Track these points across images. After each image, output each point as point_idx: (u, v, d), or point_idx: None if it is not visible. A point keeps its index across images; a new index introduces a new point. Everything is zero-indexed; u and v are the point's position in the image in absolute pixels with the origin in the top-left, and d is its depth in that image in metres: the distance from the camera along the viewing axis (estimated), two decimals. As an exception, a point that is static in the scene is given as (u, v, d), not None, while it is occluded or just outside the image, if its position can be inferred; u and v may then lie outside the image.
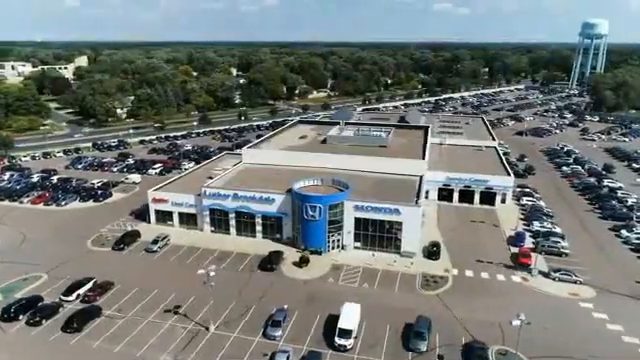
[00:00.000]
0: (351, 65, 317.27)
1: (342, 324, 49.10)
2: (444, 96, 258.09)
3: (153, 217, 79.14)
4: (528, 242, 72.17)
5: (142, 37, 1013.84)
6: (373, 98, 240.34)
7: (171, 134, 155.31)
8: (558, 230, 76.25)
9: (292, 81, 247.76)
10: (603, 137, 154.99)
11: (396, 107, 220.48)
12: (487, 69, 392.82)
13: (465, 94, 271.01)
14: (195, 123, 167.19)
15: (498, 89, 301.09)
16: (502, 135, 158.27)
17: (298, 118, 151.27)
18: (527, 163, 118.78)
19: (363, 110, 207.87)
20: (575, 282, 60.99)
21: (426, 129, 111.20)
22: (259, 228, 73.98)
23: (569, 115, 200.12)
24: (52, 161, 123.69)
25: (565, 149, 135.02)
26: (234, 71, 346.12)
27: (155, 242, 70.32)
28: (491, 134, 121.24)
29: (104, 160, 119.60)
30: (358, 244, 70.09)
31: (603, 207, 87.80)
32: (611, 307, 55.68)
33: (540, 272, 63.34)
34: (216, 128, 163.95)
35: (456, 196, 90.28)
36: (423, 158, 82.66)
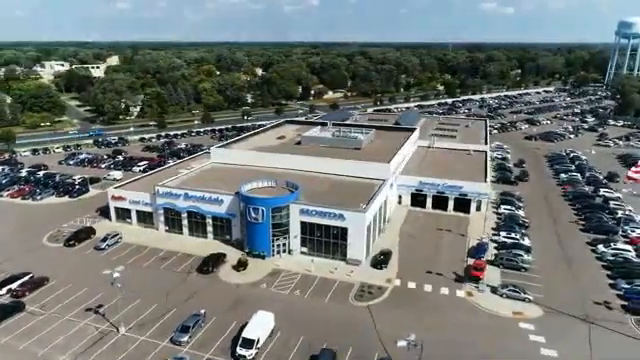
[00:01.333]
0: (373, 66, 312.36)
1: (246, 333, 47.11)
2: (463, 98, 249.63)
3: (113, 215, 79.65)
4: (489, 254, 67.57)
5: (187, 38, 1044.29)
6: (387, 99, 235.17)
7: (172, 132, 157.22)
8: (526, 242, 70.98)
9: (306, 81, 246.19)
10: (620, 143, 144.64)
11: (409, 108, 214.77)
12: (520, 70, 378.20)
13: (487, 96, 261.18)
14: (196, 122, 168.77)
15: (524, 91, 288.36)
16: (511, 139, 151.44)
17: (298, 118, 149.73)
18: (523, 169, 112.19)
19: (374, 111, 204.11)
20: (524, 300, 56.27)
21: (412, 131, 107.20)
22: (210, 229, 72.92)
23: (591, 119, 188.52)
24: (50, 156, 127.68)
25: (571, 155, 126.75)
26: (259, 71, 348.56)
27: (104, 240, 70.55)
28: (486, 138, 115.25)
29: (95, 157, 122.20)
30: (305, 249, 67.71)
31: (588, 218, 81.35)
32: (553, 330, 50.93)
33: (491, 287, 59.01)
34: (217, 127, 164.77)
35: (429, 202, 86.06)
36: (388, 162, 79.00)
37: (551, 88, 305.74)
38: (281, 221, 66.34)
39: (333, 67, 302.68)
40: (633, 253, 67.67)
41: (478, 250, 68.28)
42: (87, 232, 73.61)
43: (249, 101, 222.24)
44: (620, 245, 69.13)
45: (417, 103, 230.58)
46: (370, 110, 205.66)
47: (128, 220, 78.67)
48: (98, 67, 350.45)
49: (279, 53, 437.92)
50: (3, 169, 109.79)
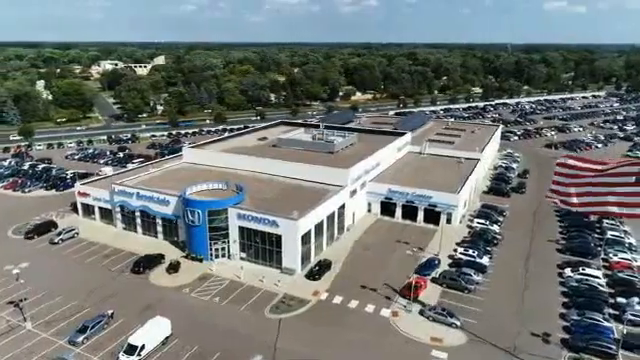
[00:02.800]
0: (411, 67, 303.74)
1: (132, 339, 46.16)
2: (497, 101, 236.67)
3: (80, 210, 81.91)
4: (437, 272, 62.61)
5: (247, 38, 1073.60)
6: (412, 102, 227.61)
7: (183, 131, 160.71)
8: (483, 260, 65.15)
9: (333, 82, 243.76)
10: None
11: (434, 112, 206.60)
12: (573, 73, 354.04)
13: (524, 100, 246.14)
14: (208, 121, 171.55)
15: (569, 95, 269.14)
16: (529, 147, 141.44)
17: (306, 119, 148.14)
18: (521, 180, 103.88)
19: (395, 114, 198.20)
20: (450, 325, 51.38)
21: (401, 136, 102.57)
22: (159, 229, 73.01)
23: (631, 127, 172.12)
24: (61, 151, 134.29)
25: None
26: (296, 71, 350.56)
27: (59, 234, 72.59)
28: (485, 146, 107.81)
29: (98, 152, 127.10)
30: (244, 255, 66.06)
31: (570, 238, 73.60)
32: (467, 361, 45.99)
33: (421, 308, 54.55)
34: (229, 127, 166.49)
35: (399, 211, 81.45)
36: (348, 168, 75.48)
37: (602, 93, 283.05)
38: (219, 225, 65.08)
39: (367, 68, 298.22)
40: (602, 280, 60.18)
41: (426, 266, 63.56)
42: (48, 226, 76.09)
43: (273, 101, 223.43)
44: (589, 270, 61.65)
45: (445, 106, 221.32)
46: (392, 113, 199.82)
47: (92, 216, 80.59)
48: (145, 66, 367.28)
49: (323, 53, 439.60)
50: (10, 162, 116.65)
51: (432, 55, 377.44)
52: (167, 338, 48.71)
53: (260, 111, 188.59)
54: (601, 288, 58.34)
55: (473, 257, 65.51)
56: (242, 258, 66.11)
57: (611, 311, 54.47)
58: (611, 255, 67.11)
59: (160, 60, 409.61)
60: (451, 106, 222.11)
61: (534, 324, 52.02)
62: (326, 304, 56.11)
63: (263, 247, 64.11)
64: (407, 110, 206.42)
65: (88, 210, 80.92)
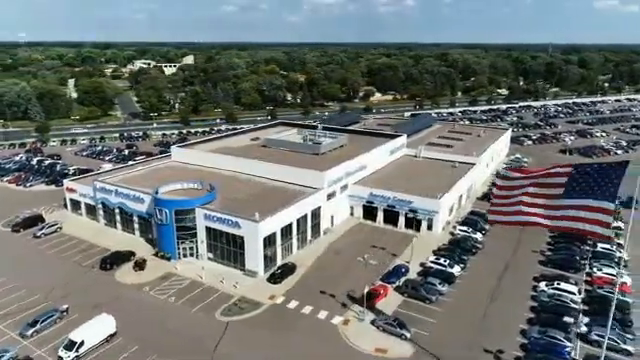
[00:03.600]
0: (440, 67, 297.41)
1: (72, 335, 46.84)
2: (521, 103, 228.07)
3: (69, 206, 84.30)
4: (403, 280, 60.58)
5: (283, 38, 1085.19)
6: (429, 103, 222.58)
7: (193, 130, 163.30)
8: (454, 270, 62.53)
9: (351, 82, 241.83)
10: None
11: (451, 114, 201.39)
12: (611, 75, 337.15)
13: (550, 102, 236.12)
14: (218, 120, 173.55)
15: (600, 98, 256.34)
16: (542, 152, 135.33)
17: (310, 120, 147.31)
18: None
19: (411, 115, 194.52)
20: (400, 336, 49.47)
21: (394, 138, 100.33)
22: (136, 226, 74.10)
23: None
24: (74, 147, 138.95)
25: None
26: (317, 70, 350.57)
27: (42, 228, 74.94)
28: (484, 150, 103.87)
29: (105, 149, 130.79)
30: (211, 255, 66.08)
31: (557, 250, 69.68)
32: (405, 375, 44.10)
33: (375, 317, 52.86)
34: (239, 126, 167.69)
35: (380, 216, 79.50)
36: (323, 170, 74.23)
37: (638, 96, 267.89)
38: (187, 224, 65.38)
39: (391, 69, 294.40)
40: (577, 297, 56.49)
41: (392, 274, 61.61)
42: (34, 220, 78.66)
43: (289, 101, 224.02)
44: (564, 285, 57.99)
45: (464, 108, 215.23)
46: (407, 114, 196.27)
47: (79, 212, 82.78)
48: (173, 66, 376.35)
49: (352, 53, 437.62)
50: (21, 157, 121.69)
51: (461, 56, 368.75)
52: (112, 336, 49.16)
53: (271, 111, 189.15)
54: (573, 305, 54.74)
55: (443, 266, 62.98)
56: (209, 258, 66.18)
57: (583, 329, 51.07)
58: (595, 270, 63.00)
59: (189, 60, 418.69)
60: (471, 108, 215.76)
61: (491, 339, 49.38)
62: (279, 308, 55.26)
63: (228, 248, 63.93)
64: (423, 112, 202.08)
65: (76, 206, 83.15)
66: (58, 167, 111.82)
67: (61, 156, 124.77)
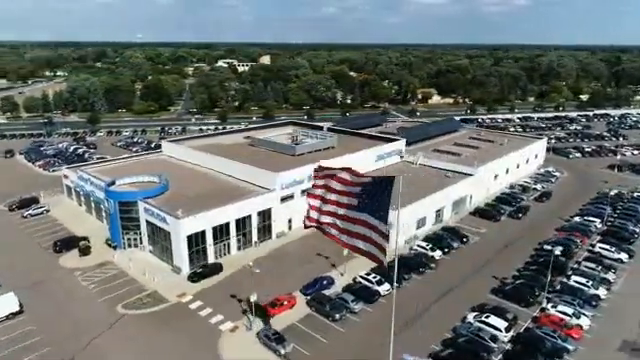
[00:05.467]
0: (523, 69, 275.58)
1: (-31, 309, 50.55)
2: (597, 111, 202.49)
3: (65, 191, 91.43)
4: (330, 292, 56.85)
5: (380, 39, 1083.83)
6: (486, 108, 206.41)
7: (229, 126, 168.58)
8: (381, 288, 57.18)
9: (406, 83, 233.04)
10: None
11: (508, 120, 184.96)
12: None
13: (634, 111, 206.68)
14: (254, 118, 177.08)
15: None
16: (588, 167, 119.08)
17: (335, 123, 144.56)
18: (524, 205, 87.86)
19: (461, 120, 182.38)
20: (275, 352, 46.30)
21: (389, 142, 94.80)
22: (104, 214, 78.07)
23: None
24: (114, 138, 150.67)
25: (635, 195, 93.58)
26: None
27: (30, 209, 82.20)
28: (492, 161, 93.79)
29: (136, 141, 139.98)
30: (152, 248, 67.54)
31: (519, 277, 60.61)
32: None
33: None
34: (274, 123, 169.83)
35: (343, 223, 75.28)
36: (277, 172, 72.08)
37: None
38: (131, 216, 67.49)
39: (459, 70, 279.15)
40: (503, 334, 48.52)
41: (312, 285, 58.08)
42: (29, 201, 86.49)
43: (339, 101, 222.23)
44: (493, 319, 50.16)
45: (524, 114, 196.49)
46: (457, 119, 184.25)
47: (71, 197, 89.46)
48: (245, 65, 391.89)
49: (431, 53, 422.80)
50: (63, 144, 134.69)
51: (545, 57, 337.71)
52: (14, 314, 52.32)
53: (308, 111, 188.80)
54: (491, 343, 47.10)
55: (371, 282, 57.93)
56: (150, 251, 67.71)
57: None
58: (550, 307, 53.71)
59: (266, 59, 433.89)
60: (533, 115, 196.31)
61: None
62: (180, 307, 54.80)
63: (162, 243, 64.88)
64: (474, 117, 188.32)
65: (70, 191, 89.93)
66: (86, 155, 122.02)
67: (97, 146, 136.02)
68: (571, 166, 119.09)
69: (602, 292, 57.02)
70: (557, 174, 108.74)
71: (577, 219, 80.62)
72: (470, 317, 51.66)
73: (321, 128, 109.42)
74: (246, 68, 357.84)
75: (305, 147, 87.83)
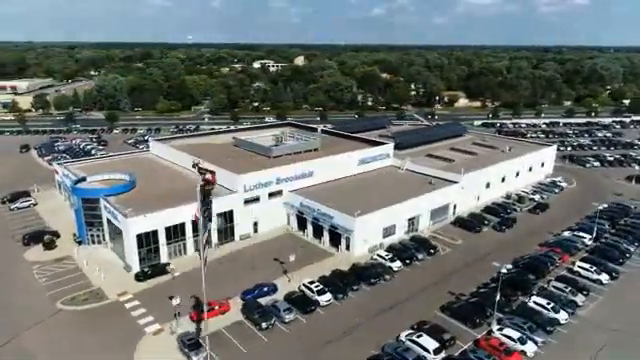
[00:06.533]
0: (560, 72, 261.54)
1: None
2: (635, 117, 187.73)
3: (57, 185, 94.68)
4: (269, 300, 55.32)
5: (427, 41, 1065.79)
6: (509, 112, 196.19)
7: (240, 126, 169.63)
8: (321, 299, 54.72)
9: (430, 85, 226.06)
10: None
11: (533, 125, 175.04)
12: None
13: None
14: (266, 119, 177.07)
15: None
16: (604, 177, 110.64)
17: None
18: (512, 217, 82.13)
19: (481, 124, 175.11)
20: (187, 358, 45.21)
21: (376, 145, 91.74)
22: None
23: None
24: (128, 136, 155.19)
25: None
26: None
27: (16, 202, 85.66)
28: (481, 169, 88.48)
29: (146, 139, 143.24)
30: (112, 244, 68.36)
31: (474, 296, 56.38)
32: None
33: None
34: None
35: (310, 228, 73.35)
36: (240, 174, 70.98)
37: None
38: (95, 212, 68.60)
39: (492, 72, 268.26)
40: (431, 356, 44.96)
41: (250, 292, 56.61)
42: (20, 195, 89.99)
43: (360, 102, 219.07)
44: (424, 339, 46.61)
45: (550, 120, 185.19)
46: (478, 123, 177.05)
47: (61, 192, 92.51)
48: (276, 65, 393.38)
49: (483, 57, 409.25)
50: (75, 141, 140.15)
51: (592, 59, 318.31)
52: (-43, 304, 54.24)
53: (321, 112, 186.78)
54: (414, 365, 43.76)
55: (312, 292, 55.64)
56: (112, 248, 68.54)
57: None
58: (496, 329, 49.41)
59: (299, 60, 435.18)
60: (559, 120, 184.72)
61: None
62: (115, 306, 54.89)
63: (119, 240, 65.44)
64: (495, 121, 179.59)
65: (59, 185, 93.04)
66: (92, 152, 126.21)
67: (107, 143, 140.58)
68: (585, 176, 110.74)
69: (563, 316, 51.87)
70: (563, 184, 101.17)
71: (566, 234, 74.40)
72: (403, 335, 48.36)
73: (315, 130, 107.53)
74: (275, 69, 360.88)
75: (284, 149, 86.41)
